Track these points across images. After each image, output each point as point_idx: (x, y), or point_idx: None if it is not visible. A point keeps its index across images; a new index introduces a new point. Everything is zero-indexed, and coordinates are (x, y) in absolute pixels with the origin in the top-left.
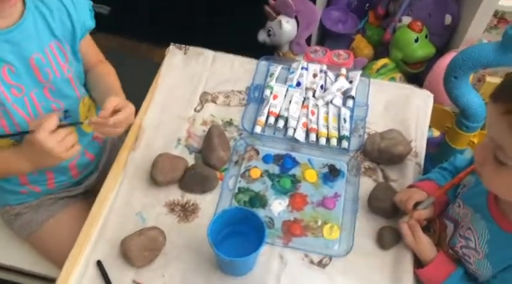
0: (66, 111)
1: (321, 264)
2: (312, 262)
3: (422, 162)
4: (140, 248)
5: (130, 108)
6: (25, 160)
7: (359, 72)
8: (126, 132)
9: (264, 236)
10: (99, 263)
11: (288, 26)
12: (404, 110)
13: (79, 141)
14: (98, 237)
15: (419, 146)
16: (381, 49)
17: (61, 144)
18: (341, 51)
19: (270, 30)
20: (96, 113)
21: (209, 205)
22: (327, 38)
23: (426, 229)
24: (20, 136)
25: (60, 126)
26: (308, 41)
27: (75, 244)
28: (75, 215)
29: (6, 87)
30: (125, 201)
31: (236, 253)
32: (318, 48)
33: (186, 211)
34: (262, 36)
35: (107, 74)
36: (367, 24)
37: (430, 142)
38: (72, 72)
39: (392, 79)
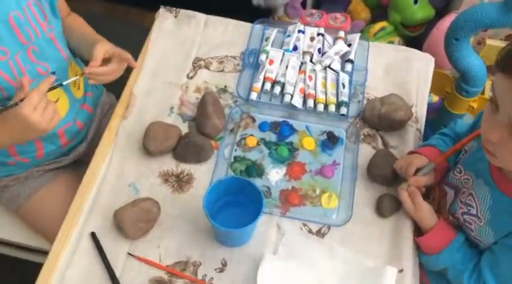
0: (53, 73)
1: (319, 233)
2: (310, 231)
3: (422, 128)
4: (134, 220)
5: (122, 53)
6: (8, 132)
7: (358, 35)
8: (118, 98)
9: (261, 207)
10: (93, 235)
11: None
12: (404, 74)
13: (70, 107)
14: (91, 209)
15: (420, 111)
16: (379, 12)
17: (43, 116)
18: (338, 15)
19: None
20: (85, 79)
21: (204, 175)
22: (323, 1)
23: (426, 196)
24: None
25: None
26: (304, 4)
27: (67, 215)
28: (64, 187)
29: None
30: (117, 172)
31: (233, 223)
32: (314, 11)
33: (180, 182)
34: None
35: (80, 24)
36: None
37: (429, 107)
38: (54, 32)
39: (391, 43)
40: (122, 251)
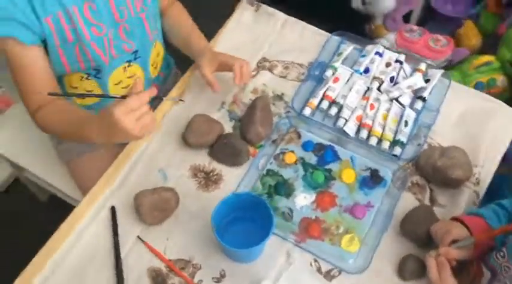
0: (136, 51)
1: (328, 275)
2: (319, 270)
3: (482, 192)
4: (151, 206)
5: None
6: (98, 129)
7: (440, 72)
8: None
9: (269, 231)
10: (112, 209)
11: None
12: (480, 128)
13: (144, 86)
14: (120, 184)
15: (485, 173)
16: (491, 42)
17: (137, 123)
18: (440, 37)
19: None
20: (163, 60)
21: (233, 179)
22: (429, 18)
23: (460, 270)
24: (95, 73)
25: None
26: (407, 18)
27: (97, 184)
28: (111, 156)
29: (87, 25)
30: (152, 154)
31: (242, 239)
32: (414, 27)
33: (208, 180)
34: (356, 3)
35: (182, 16)
36: (483, 9)
37: (509, 156)
38: (145, 13)
39: (493, 80)
40: (133, 233)
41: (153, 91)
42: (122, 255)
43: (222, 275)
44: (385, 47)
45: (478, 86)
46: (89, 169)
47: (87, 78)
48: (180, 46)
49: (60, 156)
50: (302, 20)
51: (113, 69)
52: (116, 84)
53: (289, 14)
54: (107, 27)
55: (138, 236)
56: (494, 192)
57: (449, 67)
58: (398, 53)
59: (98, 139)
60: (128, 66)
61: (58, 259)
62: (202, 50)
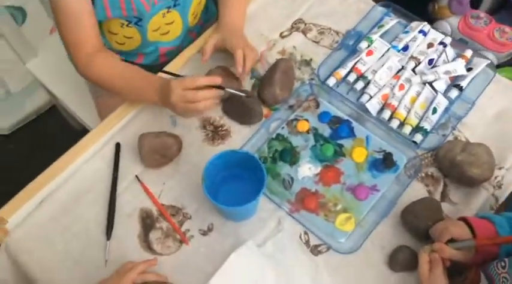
0: None
1: (315, 250)
2: (307, 242)
3: (502, 198)
4: (152, 149)
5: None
6: (154, 94)
7: (486, 62)
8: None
9: (259, 193)
10: (117, 146)
11: None
12: None
13: (181, 34)
14: (128, 122)
15: (510, 178)
16: None
17: (183, 105)
18: (508, 28)
19: None
20: (205, 9)
21: (241, 137)
22: (503, 9)
23: (458, 272)
24: (136, 20)
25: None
26: (476, 3)
27: (105, 119)
28: None
29: None
30: None
31: (235, 197)
32: (482, 14)
33: (215, 134)
34: None
35: None
36: None
37: None
38: None
39: None
40: (132, 172)
41: (217, 80)
42: (118, 191)
43: (210, 229)
44: (443, 32)
45: None
46: (114, 108)
47: (127, 25)
48: (218, 8)
49: (91, 91)
50: None
51: (153, 15)
52: (155, 31)
53: None
54: None
55: (136, 176)
56: None
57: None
58: (445, 35)
59: (150, 101)
60: (167, 12)
61: (54, 187)
62: (225, 23)
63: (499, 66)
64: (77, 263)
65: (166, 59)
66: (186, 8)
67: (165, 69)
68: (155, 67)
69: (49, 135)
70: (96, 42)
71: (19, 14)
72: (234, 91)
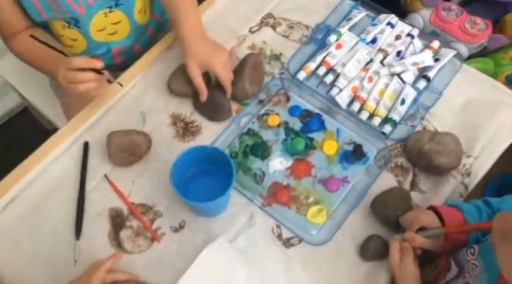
0: None
1: (287, 242)
2: (279, 236)
3: (471, 186)
4: (120, 148)
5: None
6: (55, 72)
7: (452, 52)
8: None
9: (229, 186)
10: (85, 145)
11: None
12: (484, 118)
13: (131, 33)
14: (97, 120)
15: (479, 166)
16: None
17: (66, 85)
18: (479, 20)
19: None
20: (156, 3)
21: (212, 133)
22: (474, 1)
23: (429, 261)
24: (74, 22)
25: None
26: None
27: (74, 118)
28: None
29: None
30: (137, 95)
31: (205, 193)
32: (454, 6)
33: (186, 130)
34: None
35: None
36: None
37: None
38: None
39: None
40: (101, 172)
41: (96, 63)
42: (87, 190)
43: (181, 226)
44: (413, 25)
45: (509, 78)
46: (79, 108)
47: (68, 27)
48: (168, 13)
49: (55, 92)
50: None
51: (92, 16)
52: (100, 31)
53: None
54: None
55: (105, 175)
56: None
57: (483, 54)
58: (412, 27)
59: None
60: (110, 11)
61: (22, 187)
62: (186, 37)
63: (470, 57)
64: (46, 263)
65: (121, 59)
66: (130, 6)
67: (132, 68)
68: (111, 67)
69: (21, 136)
70: (17, 23)
71: None
72: (110, 77)
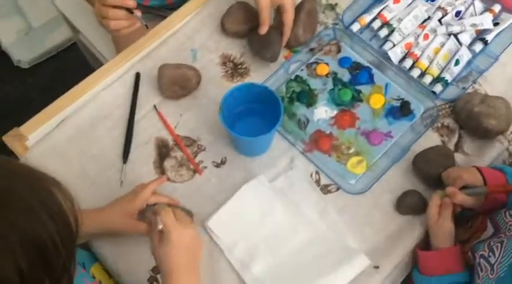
0: None
1: (325, 189)
2: (317, 181)
3: None
4: (171, 80)
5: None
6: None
7: None
8: None
9: (275, 126)
10: (137, 75)
11: None
12: None
13: None
14: (149, 53)
15: None
16: None
17: (99, 19)
18: None
19: None
20: None
21: (260, 76)
22: None
23: (466, 220)
24: None
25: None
26: None
27: (126, 49)
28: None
29: None
30: (188, 33)
31: (250, 131)
32: None
33: (235, 71)
34: None
35: None
36: None
37: None
38: None
39: None
40: (150, 101)
41: (128, 2)
42: (136, 119)
43: (223, 162)
44: None
45: None
46: (131, 42)
47: None
48: None
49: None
50: None
51: None
52: None
53: None
54: None
55: (154, 106)
56: None
57: None
58: None
59: None
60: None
61: (72, 111)
62: None
63: None
64: (93, 183)
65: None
66: None
67: (183, 8)
68: (163, 7)
69: (68, 71)
70: None
71: None
72: (140, 18)
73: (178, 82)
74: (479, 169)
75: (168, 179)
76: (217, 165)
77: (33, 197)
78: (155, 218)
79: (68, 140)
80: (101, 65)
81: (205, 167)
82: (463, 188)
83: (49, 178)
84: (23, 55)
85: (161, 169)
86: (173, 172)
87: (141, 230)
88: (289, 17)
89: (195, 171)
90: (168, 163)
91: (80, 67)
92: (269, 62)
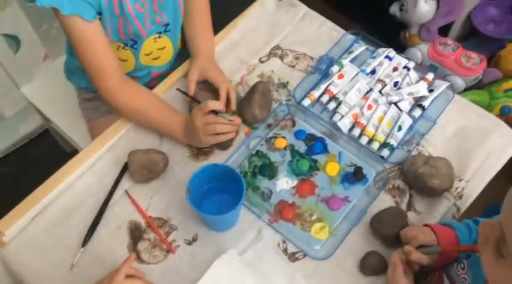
0: (167, 24)
1: (292, 256)
2: (285, 250)
3: (464, 208)
4: (140, 166)
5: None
6: (179, 127)
7: (446, 84)
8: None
9: (239, 202)
10: (124, 165)
11: (424, 6)
12: (474, 144)
13: (172, 59)
14: (119, 140)
15: (470, 190)
16: None
17: (204, 127)
18: (474, 54)
19: (403, 5)
20: None
21: (223, 154)
22: (470, 36)
23: (424, 276)
24: (132, 43)
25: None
26: (445, 31)
27: (99, 136)
28: None
29: (132, 1)
30: None
31: (217, 208)
32: (450, 41)
33: (200, 151)
34: (393, 9)
35: (200, 5)
36: None
37: None
38: None
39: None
40: (122, 187)
41: (219, 106)
42: (109, 204)
43: (194, 239)
44: (409, 58)
45: (504, 110)
46: (106, 129)
47: (123, 48)
48: (186, 37)
49: (83, 114)
50: (335, 16)
51: (145, 40)
52: (147, 55)
53: (324, 9)
54: (147, 2)
55: (126, 191)
56: None
57: (479, 86)
58: (408, 60)
59: (178, 136)
60: (159, 37)
61: (47, 202)
62: (200, 53)
63: (467, 89)
64: (70, 270)
65: (157, 82)
66: (176, 33)
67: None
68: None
69: (41, 157)
70: (118, 70)
71: (13, 42)
72: (227, 118)
73: (146, 167)
74: (430, 227)
75: (143, 261)
76: (189, 243)
77: None
78: None
79: (43, 231)
80: (73, 148)
81: (178, 246)
82: (420, 247)
83: None
84: None
85: (135, 252)
86: (147, 254)
87: None
88: (224, 86)
89: (168, 251)
90: (142, 246)
91: (53, 152)
92: (223, 150)
